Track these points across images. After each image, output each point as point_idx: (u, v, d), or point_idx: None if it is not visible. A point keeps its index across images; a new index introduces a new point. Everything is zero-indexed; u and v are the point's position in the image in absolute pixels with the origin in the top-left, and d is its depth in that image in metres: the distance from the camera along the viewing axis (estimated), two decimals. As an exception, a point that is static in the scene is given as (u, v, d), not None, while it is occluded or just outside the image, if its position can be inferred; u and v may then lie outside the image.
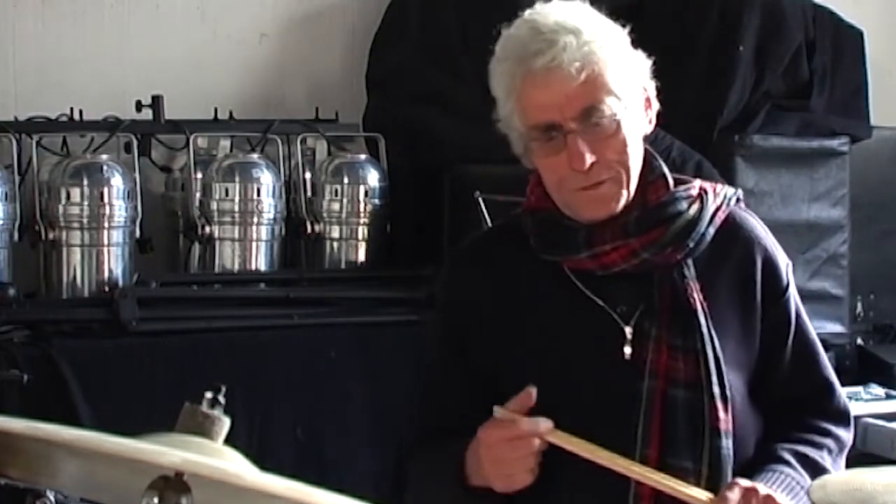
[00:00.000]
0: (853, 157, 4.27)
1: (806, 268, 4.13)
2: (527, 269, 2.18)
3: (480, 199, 3.42)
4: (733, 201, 2.23)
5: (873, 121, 4.45)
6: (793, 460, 2.12)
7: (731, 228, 2.20)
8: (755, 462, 2.14)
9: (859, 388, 4.00)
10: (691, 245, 2.14)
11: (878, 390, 4.06)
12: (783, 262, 2.24)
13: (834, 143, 4.25)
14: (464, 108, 4.08)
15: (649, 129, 2.16)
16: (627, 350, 2.11)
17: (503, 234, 2.29)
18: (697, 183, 2.21)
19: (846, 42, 4.44)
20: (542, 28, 2.07)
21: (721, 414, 2.09)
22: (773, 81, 4.27)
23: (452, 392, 2.20)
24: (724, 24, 4.14)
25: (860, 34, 4.48)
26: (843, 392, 2.28)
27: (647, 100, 2.15)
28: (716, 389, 2.09)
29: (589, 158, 2.05)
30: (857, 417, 2.36)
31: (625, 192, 2.11)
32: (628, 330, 2.12)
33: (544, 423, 2.01)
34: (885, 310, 4.47)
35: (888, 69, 4.80)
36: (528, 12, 2.13)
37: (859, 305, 4.43)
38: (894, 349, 4.35)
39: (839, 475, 1.86)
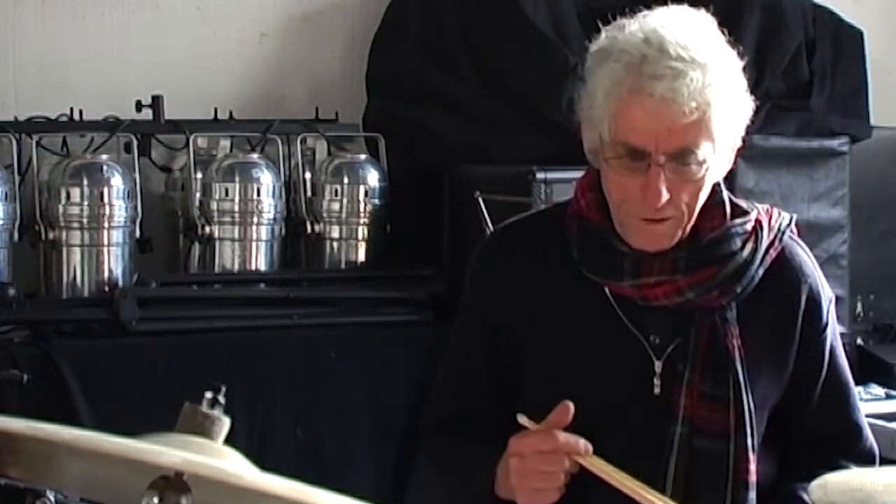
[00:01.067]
0: (853, 157, 4.27)
1: (806, 268, 4.13)
2: (564, 273, 2.11)
3: (480, 199, 3.41)
4: (787, 234, 2.15)
5: (873, 121, 4.45)
6: None
7: (780, 266, 2.12)
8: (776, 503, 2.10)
9: (859, 389, 3.98)
10: (739, 290, 2.07)
11: (878, 390, 4.06)
12: (826, 299, 2.16)
13: (834, 143, 4.25)
14: (464, 108, 4.09)
15: (727, 169, 2.09)
16: (657, 382, 2.06)
17: (545, 225, 2.19)
18: (754, 213, 2.13)
19: (846, 42, 4.44)
20: (671, 49, 1.94)
21: (751, 466, 2.05)
22: (773, 81, 4.26)
23: (476, 374, 2.16)
24: (724, 24, 4.13)
25: (860, 34, 4.47)
26: (871, 435, 2.22)
27: (735, 143, 2.07)
28: (748, 440, 2.05)
29: (664, 196, 1.97)
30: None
31: (680, 232, 2.04)
32: (658, 364, 2.06)
33: (583, 443, 1.94)
34: (885, 310, 4.46)
35: (888, 69, 4.80)
36: (654, 20, 2.00)
37: (859, 305, 4.43)
38: (894, 349, 4.34)
39: (839, 475, 1.85)
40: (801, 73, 4.33)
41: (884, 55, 4.75)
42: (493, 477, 2.04)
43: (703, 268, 2.06)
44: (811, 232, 4.12)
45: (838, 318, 4.13)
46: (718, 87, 1.96)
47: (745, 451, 2.05)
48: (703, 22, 2.04)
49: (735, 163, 4.25)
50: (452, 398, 2.21)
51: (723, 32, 2.08)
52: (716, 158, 2.00)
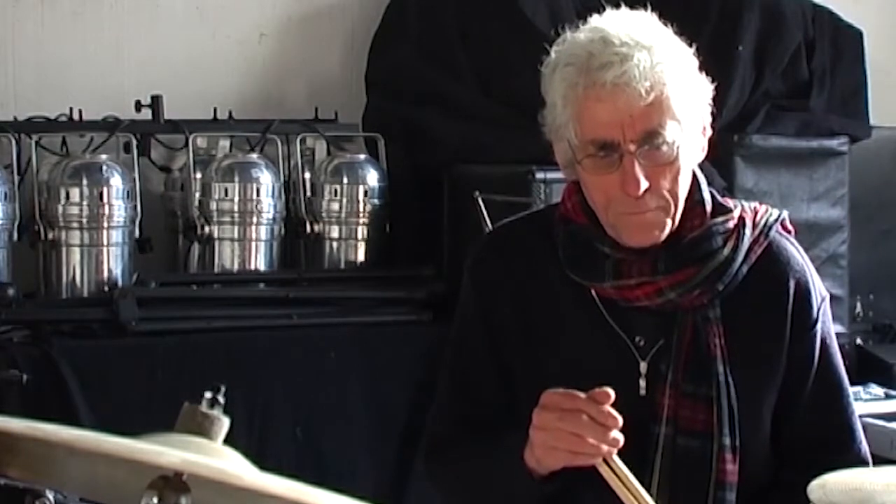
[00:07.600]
0: (853, 157, 4.27)
1: (805, 268, 4.13)
2: (554, 274, 2.11)
3: (480, 199, 3.41)
4: (773, 230, 2.13)
5: (873, 121, 4.45)
6: None
7: (766, 262, 2.11)
8: None
9: (859, 388, 3.99)
10: (720, 288, 2.07)
11: (877, 390, 4.06)
12: (817, 296, 2.14)
13: (833, 143, 4.25)
14: (463, 108, 4.09)
15: (702, 156, 2.08)
16: (642, 384, 2.06)
17: (538, 227, 2.18)
18: (737, 212, 2.11)
19: (846, 42, 4.44)
20: (614, 39, 1.97)
21: (728, 466, 2.04)
22: (773, 81, 4.27)
23: (481, 378, 2.14)
24: (724, 24, 4.14)
25: (860, 34, 4.48)
26: (864, 441, 2.17)
27: (704, 126, 2.06)
28: (726, 440, 2.04)
29: (643, 184, 1.97)
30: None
31: (670, 221, 2.03)
32: (643, 365, 2.06)
33: (605, 392, 1.90)
34: (884, 310, 4.46)
35: (888, 69, 4.80)
36: (595, 19, 2.04)
37: (859, 305, 4.43)
38: (894, 349, 4.34)
39: (838, 475, 1.85)
40: (801, 73, 4.33)
41: (884, 55, 4.75)
42: (522, 446, 1.99)
43: (683, 268, 2.05)
44: (811, 232, 4.13)
45: (837, 318, 4.17)
46: (669, 66, 1.97)
47: (723, 452, 2.04)
48: (644, 15, 2.06)
49: (734, 162, 4.25)
50: (458, 406, 2.18)
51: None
52: (685, 139, 2.00)
